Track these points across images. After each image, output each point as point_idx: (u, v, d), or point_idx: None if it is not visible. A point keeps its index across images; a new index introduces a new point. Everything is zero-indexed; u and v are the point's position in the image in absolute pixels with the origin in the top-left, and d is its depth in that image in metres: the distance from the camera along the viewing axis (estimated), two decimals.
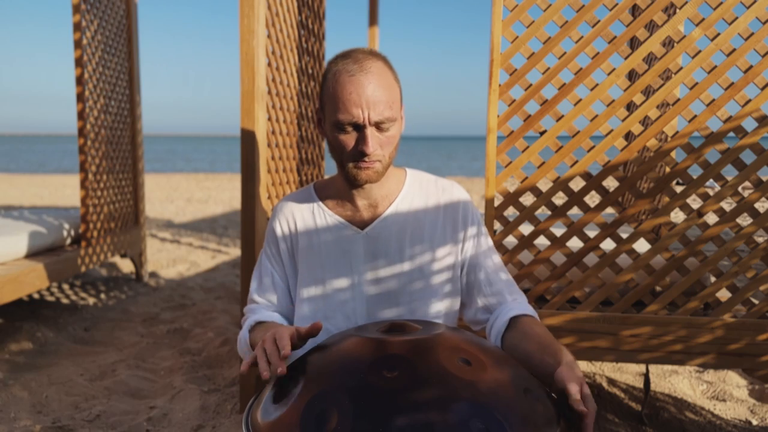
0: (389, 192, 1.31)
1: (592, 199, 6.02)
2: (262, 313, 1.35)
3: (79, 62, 3.33)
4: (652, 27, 2.25)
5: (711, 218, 5.13)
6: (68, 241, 3.48)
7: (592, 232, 2.15)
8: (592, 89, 1.88)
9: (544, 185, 1.96)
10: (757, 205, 1.90)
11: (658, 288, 2.06)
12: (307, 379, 0.93)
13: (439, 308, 1.33)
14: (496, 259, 1.38)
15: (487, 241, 1.37)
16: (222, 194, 11.55)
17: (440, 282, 1.33)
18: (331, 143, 1.22)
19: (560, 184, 1.91)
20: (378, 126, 1.17)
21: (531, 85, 1.90)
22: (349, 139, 1.18)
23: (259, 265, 1.41)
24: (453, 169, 24.06)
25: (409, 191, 1.33)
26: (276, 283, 1.38)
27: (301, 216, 1.34)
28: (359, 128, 1.17)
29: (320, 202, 1.34)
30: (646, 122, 2.35)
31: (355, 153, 1.19)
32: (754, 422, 2.16)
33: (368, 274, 1.30)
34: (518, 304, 1.32)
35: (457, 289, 1.36)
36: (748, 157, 1.86)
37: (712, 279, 2.16)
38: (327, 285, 1.31)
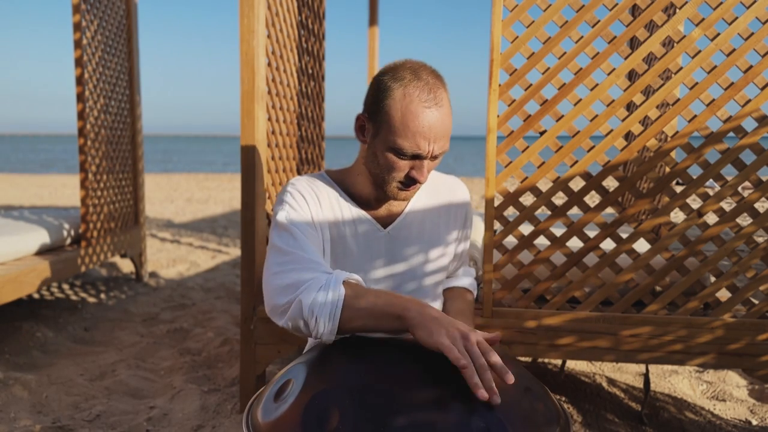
0: None
1: (592, 199, 6.03)
2: (349, 274, 1.13)
3: (79, 62, 3.33)
4: (652, 27, 2.25)
5: (711, 218, 5.13)
6: (68, 241, 3.48)
7: (592, 232, 2.15)
8: (592, 89, 1.88)
9: (544, 185, 1.97)
10: (757, 205, 1.90)
11: (658, 288, 2.06)
12: (308, 378, 0.93)
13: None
14: (467, 247, 1.50)
15: (468, 232, 1.48)
16: (222, 194, 11.55)
17: (446, 276, 1.40)
18: (379, 159, 1.20)
19: (560, 184, 1.91)
20: (434, 157, 1.19)
21: (531, 85, 1.90)
22: (404, 164, 1.18)
23: (293, 238, 1.17)
24: (454, 169, 24.05)
25: (422, 191, 1.36)
26: (322, 248, 1.23)
27: (328, 202, 1.27)
28: (418, 157, 1.18)
29: (345, 195, 1.30)
30: (646, 122, 2.35)
31: (407, 178, 1.20)
32: (754, 422, 2.16)
33: (387, 270, 1.32)
34: (456, 278, 1.48)
35: None
36: (748, 157, 1.87)
37: (712, 279, 2.17)
38: None
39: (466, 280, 1.49)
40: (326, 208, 1.26)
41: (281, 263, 1.13)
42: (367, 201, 1.30)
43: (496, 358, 0.88)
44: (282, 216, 1.20)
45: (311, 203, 1.24)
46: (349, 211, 1.28)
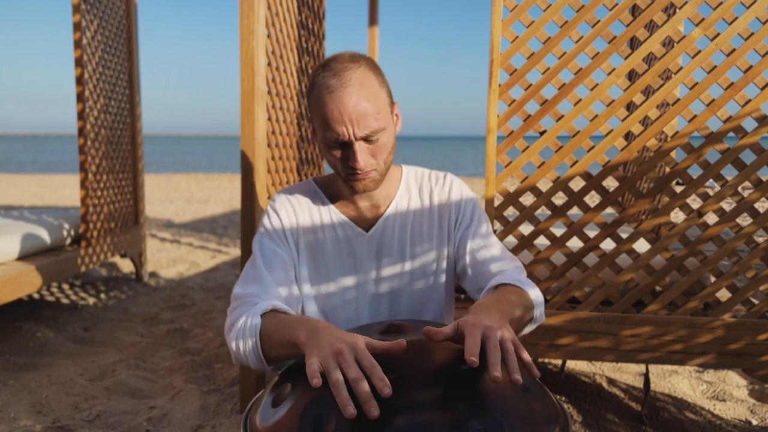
0: (389, 191, 1.31)
1: (592, 199, 6.02)
2: (275, 303, 1.14)
3: (79, 62, 3.33)
4: (652, 27, 2.25)
5: (711, 218, 5.14)
6: (68, 241, 3.48)
7: (592, 232, 2.15)
8: (592, 89, 1.88)
9: (544, 185, 1.96)
10: (757, 205, 1.90)
11: (658, 288, 2.06)
12: (305, 382, 0.92)
13: (440, 306, 1.34)
14: (488, 240, 1.31)
15: (479, 226, 1.32)
16: (222, 194, 11.55)
17: (440, 279, 1.34)
18: (326, 156, 1.21)
19: (560, 184, 1.91)
20: (366, 139, 1.15)
21: (531, 85, 1.90)
22: (339, 154, 1.17)
23: (253, 263, 1.25)
24: (454, 169, 24.07)
25: (406, 189, 1.33)
26: (289, 279, 1.26)
27: (308, 211, 1.30)
28: (346, 144, 1.15)
29: (326, 200, 1.31)
30: (646, 122, 2.35)
31: (346, 168, 1.17)
32: (754, 422, 2.15)
33: (372, 274, 1.30)
34: (503, 275, 1.23)
35: (452, 282, 1.37)
36: (748, 157, 1.86)
37: (712, 279, 2.16)
38: (332, 284, 1.31)
39: (511, 276, 1.23)
40: (303, 218, 1.29)
41: (237, 300, 1.19)
42: (354, 205, 1.29)
43: (376, 371, 0.83)
44: (256, 240, 1.28)
45: (284, 218, 1.28)
46: (329, 216, 1.29)
